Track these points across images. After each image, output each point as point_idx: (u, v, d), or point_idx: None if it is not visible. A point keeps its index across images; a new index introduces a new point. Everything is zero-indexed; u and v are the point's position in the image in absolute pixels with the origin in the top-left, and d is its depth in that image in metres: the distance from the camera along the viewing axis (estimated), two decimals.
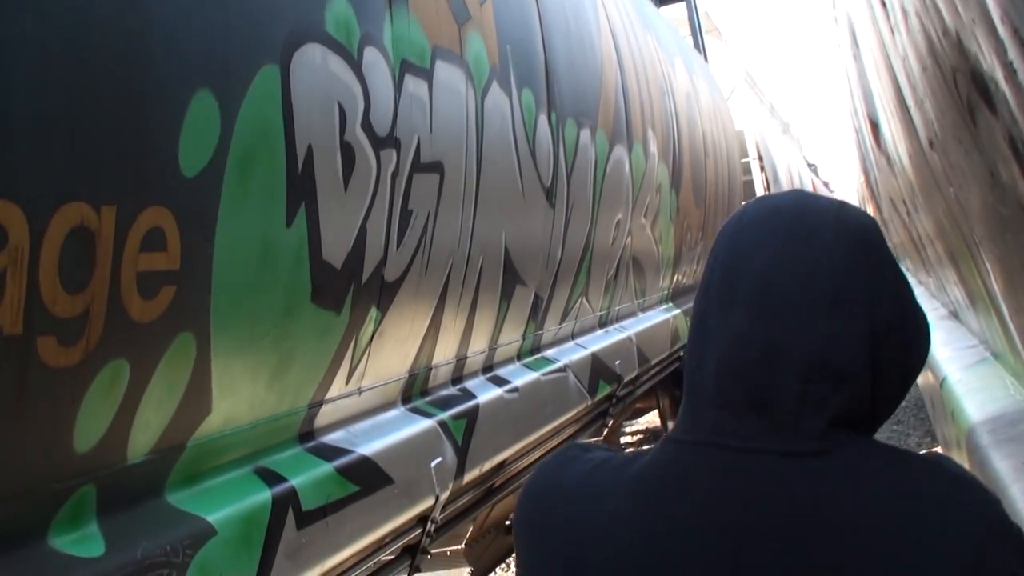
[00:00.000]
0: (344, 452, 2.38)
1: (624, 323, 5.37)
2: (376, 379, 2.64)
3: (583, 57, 4.30)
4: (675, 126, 6.37)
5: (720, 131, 8.71)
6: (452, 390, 3.13)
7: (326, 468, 2.26)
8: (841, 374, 0.94)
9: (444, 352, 3.05)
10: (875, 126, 5.50)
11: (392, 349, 2.68)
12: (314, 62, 2.12)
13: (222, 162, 1.82)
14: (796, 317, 0.95)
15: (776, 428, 0.94)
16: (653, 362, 5.64)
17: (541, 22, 3.72)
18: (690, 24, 11.57)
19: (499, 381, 3.45)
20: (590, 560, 0.97)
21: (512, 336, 3.66)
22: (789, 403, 0.94)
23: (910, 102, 3.44)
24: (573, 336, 4.52)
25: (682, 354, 6.78)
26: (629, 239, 5.18)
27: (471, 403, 3.11)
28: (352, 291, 2.35)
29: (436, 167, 2.74)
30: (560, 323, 4.26)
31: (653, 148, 5.60)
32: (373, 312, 2.50)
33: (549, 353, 4.10)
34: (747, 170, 12.19)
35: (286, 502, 2.07)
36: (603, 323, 5.01)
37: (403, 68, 2.54)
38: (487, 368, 3.47)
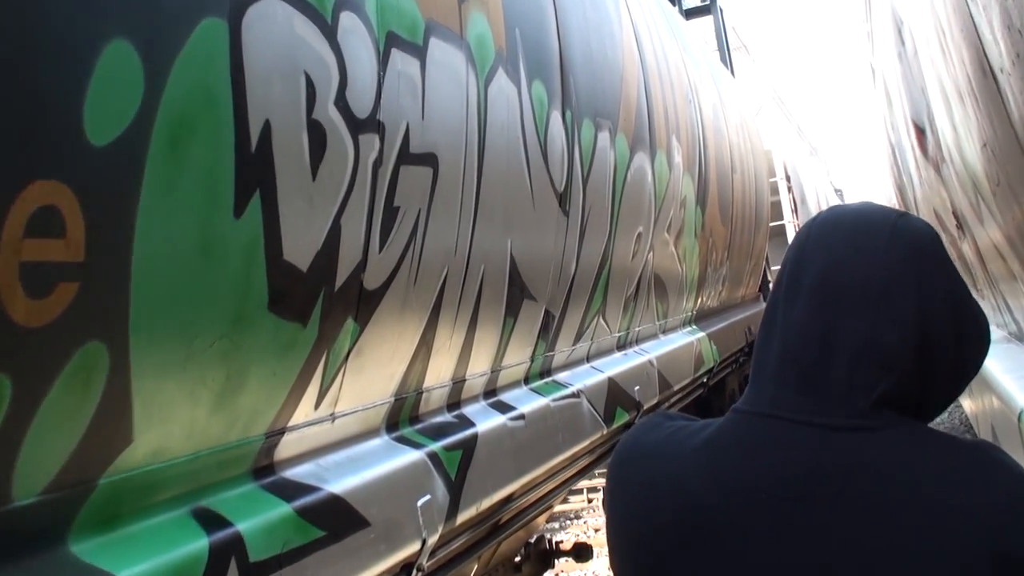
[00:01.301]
0: (309, 489, 2.01)
1: (644, 346, 4.99)
2: (354, 403, 2.27)
3: (602, 51, 3.94)
4: (702, 137, 6.01)
5: (748, 147, 8.33)
6: (447, 417, 2.76)
7: (284, 509, 1.89)
8: (888, 361, 1.06)
9: (438, 373, 2.68)
10: (921, 132, 5.11)
11: (374, 369, 2.31)
12: (274, 22, 1.77)
13: (146, 131, 1.46)
14: (848, 308, 1.08)
15: (824, 404, 1.06)
16: (676, 388, 5.24)
17: (556, 8, 3.36)
18: (717, 39, 11.22)
19: (502, 407, 3.08)
20: (662, 514, 1.11)
21: (519, 357, 3.29)
22: (838, 383, 1.06)
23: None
24: (588, 358, 4.14)
25: (705, 379, 6.38)
26: (651, 255, 4.81)
27: (468, 432, 2.73)
28: (322, 299, 1.99)
29: (429, 159, 2.38)
30: (574, 344, 3.88)
31: (678, 158, 5.23)
32: (349, 325, 2.13)
33: (561, 377, 3.72)
34: (775, 190, 11.79)
35: (227, 551, 1.70)
36: (621, 345, 4.63)
37: (389, 41, 2.19)
38: (489, 392, 3.10)
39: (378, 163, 2.14)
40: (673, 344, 5.46)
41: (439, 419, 2.71)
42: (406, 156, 2.26)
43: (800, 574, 1.01)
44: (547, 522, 8.22)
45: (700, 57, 6.93)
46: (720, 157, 6.73)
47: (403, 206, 2.28)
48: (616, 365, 4.32)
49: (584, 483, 7.78)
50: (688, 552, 1.08)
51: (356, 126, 2.04)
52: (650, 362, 4.80)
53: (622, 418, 4.17)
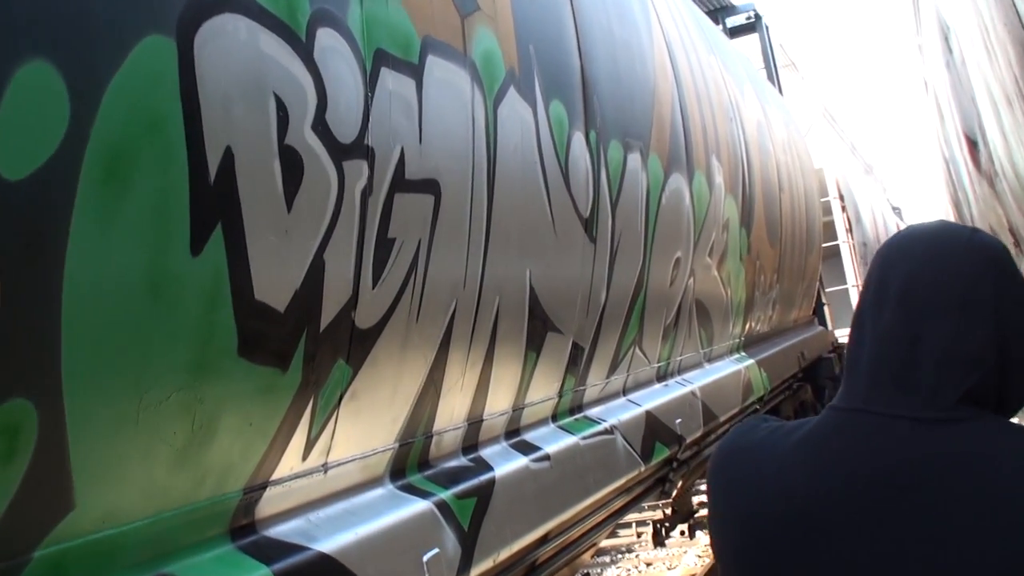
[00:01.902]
0: (295, 549, 1.83)
1: (687, 376, 4.75)
2: (351, 451, 2.09)
3: (631, 69, 3.75)
4: (744, 156, 5.78)
5: (797, 166, 8.07)
6: (462, 460, 2.57)
7: (263, 572, 1.71)
8: (970, 360, 1.17)
9: (450, 414, 2.50)
10: (973, 145, 4.84)
11: (373, 413, 2.14)
12: (235, 39, 1.61)
13: (74, 161, 1.30)
14: (932, 313, 1.18)
15: (914, 400, 1.16)
16: (722, 419, 5.00)
17: (576, 22, 3.18)
18: (763, 57, 10.97)
19: (525, 447, 2.88)
20: (764, 507, 1.20)
21: (544, 393, 3.09)
22: (926, 381, 1.17)
23: None
24: (624, 391, 3.92)
25: (757, 408, 6.12)
26: (691, 281, 4.59)
27: (485, 476, 2.54)
28: (304, 341, 1.82)
29: (429, 186, 2.21)
30: (607, 377, 3.68)
31: (719, 179, 5.01)
32: (340, 367, 1.96)
33: (593, 412, 3.51)
34: (827, 210, 11.46)
35: None
36: (662, 376, 4.41)
37: (378, 60, 2.02)
38: (511, 432, 2.90)
39: (367, 191, 1.97)
40: (719, 373, 5.22)
41: (452, 464, 2.52)
42: (401, 183, 2.09)
43: (897, 557, 1.09)
44: (595, 556, 7.97)
45: (742, 73, 6.70)
46: (766, 176, 6.49)
47: (400, 237, 2.10)
48: (655, 398, 4.09)
49: (633, 516, 7.52)
50: (792, 542, 1.17)
51: (339, 151, 1.87)
52: (693, 393, 4.56)
53: (662, 454, 3.94)
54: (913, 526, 1.10)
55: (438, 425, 2.44)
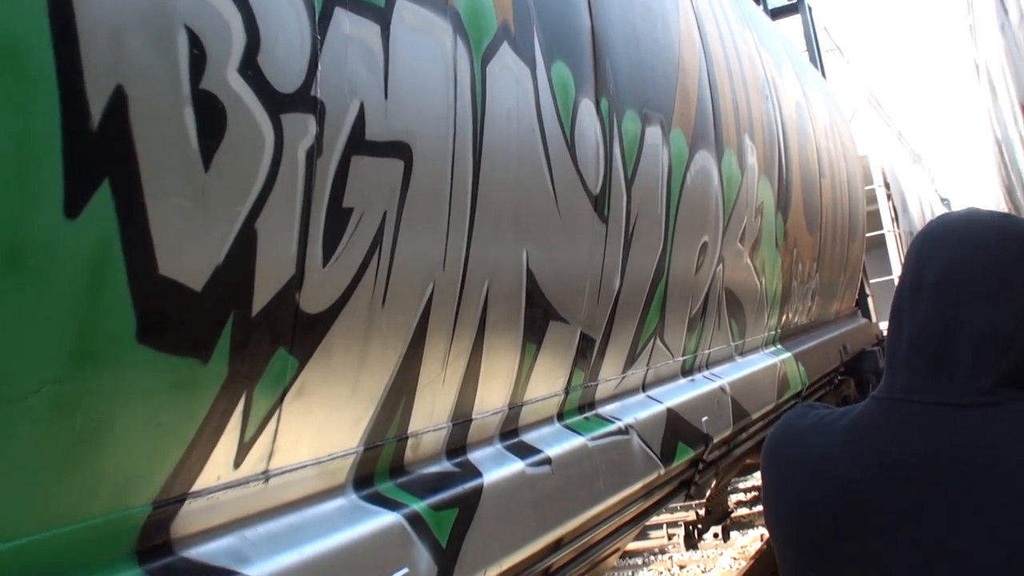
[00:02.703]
0: (220, 574, 1.54)
1: (716, 370, 4.42)
2: (301, 456, 1.80)
3: (651, 34, 3.43)
4: (781, 137, 5.42)
5: (839, 151, 7.68)
6: (445, 465, 2.27)
7: None
8: (1005, 345, 1.19)
9: (429, 413, 2.20)
10: None
11: (328, 412, 1.84)
12: None
13: None
14: (967, 301, 1.21)
15: (952, 386, 1.19)
16: (754, 416, 4.66)
17: None
18: (806, 39, 10.54)
19: (523, 450, 2.57)
20: (810, 494, 1.25)
21: (547, 389, 2.78)
22: (963, 367, 1.19)
23: None
24: (644, 387, 3.60)
25: (794, 401, 5.77)
26: (720, 268, 4.25)
27: (471, 483, 2.24)
28: (231, 326, 1.53)
29: (397, 150, 1.91)
30: (624, 371, 3.36)
31: (751, 159, 4.67)
32: (282, 358, 1.67)
33: (607, 410, 3.20)
34: (872, 198, 11.01)
35: None
36: (687, 370, 4.08)
37: None
38: (508, 433, 2.60)
39: (315, 152, 1.67)
40: (752, 367, 4.88)
41: (433, 469, 2.22)
42: (361, 145, 1.80)
43: (939, 537, 1.12)
44: (624, 558, 7.64)
45: (780, 51, 6.33)
46: (805, 160, 6.12)
47: (359, 207, 1.80)
48: (679, 394, 3.77)
49: (664, 517, 7.19)
50: (840, 525, 1.20)
51: (276, 102, 1.58)
52: (722, 388, 4.23)
53: (685, 455, 3.62)
54: (954, 508, 1.13)
55: (415, 425, 2.15)
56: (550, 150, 2.56)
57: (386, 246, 1.90)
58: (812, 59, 10.24)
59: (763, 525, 8.36)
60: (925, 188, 18.32)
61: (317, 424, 1.82)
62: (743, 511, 9.21)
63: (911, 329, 1.25)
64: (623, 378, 3.36)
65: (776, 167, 5.28)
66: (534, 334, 2.60)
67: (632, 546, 7.50)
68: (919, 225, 14.15)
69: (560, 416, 2.92)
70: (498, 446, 2.52)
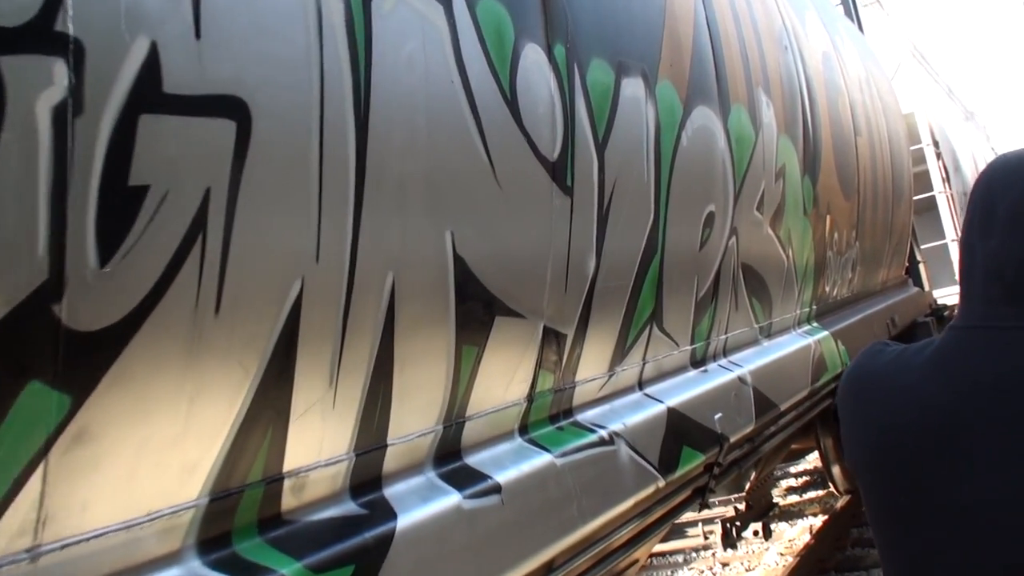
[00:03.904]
0: None
1: (736, 357, 3.89)
2: (95, 521, 1.33)
3: None
4: (804, 91, 4.85)
5: (878, 107, 7.06)
6: (347, 508, 1.80)
7: None
8: None
9: (316, 445, 1.72)
10: None
11: (135, 460, 1.38)
12: None
13: None
14: None
15: None
16: (784, 406, 4.12)
17: None
18: None
19: (464, 478, 2.09)
20: (898, 420, 1.28)
21: (501, 398, 2.30)
22: None
23: None
24: (642, 385, 3.10)
25: (834, 385, 5.21)
26: (733, 241, 3.72)
27: (377, 530, 1.76)
28: None
29: (222, 107, 1.43)
30: (612, 368, 2.86)
31: (767, 116, 4.12)
32: (37, 395, 1.20)
33: (588, 416, 2.70)
34: (920, 158, 10.32)
35: None
36: (698, 360, 3.56)
37: None
38: (446, 457, 2.12)
39: (70, 109, 1.20)
40: (780, 351, 4.34)
41: (327, 515, 1.75)
42: (157, 100, 1.32)
43: (1021, 451, 1.16)
44: (663, 556, 7.13)
45: None
46: (836, 117, 5.54)
47: (160, 184, 1.33)
48: (685, 390, 3.26)
49: (702, 514, 6.65)
50: (929, 449, 1.24)
51: None
52: (741, 379, 3.71)
53: (692, 461, 3.11)
54: None
55: (294, 462, 1.67)
56: (479, 106, 2.07)
57: (214, 235, 1.42)
58: (847, 12, 9.57)
59: (813, 515, 7.80)
60: (980, 146, 17.44)
61: (120, 476, 1.35)
62: (793, 498, 8.64)
63: (984, 261, 1.28)
64: (611, 376, 2.86)
65: (800, 125, 4.72)
66: (473, 334, 2.12)
67: (668, 546, 6.99)
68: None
69: (523, 429, 2.43)
70: (429, 475, 2.04)
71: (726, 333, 3.83)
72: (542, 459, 2.33)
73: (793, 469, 9.65)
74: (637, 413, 2.89)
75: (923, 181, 10.22)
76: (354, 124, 1.70)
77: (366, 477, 1.87)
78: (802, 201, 4.72)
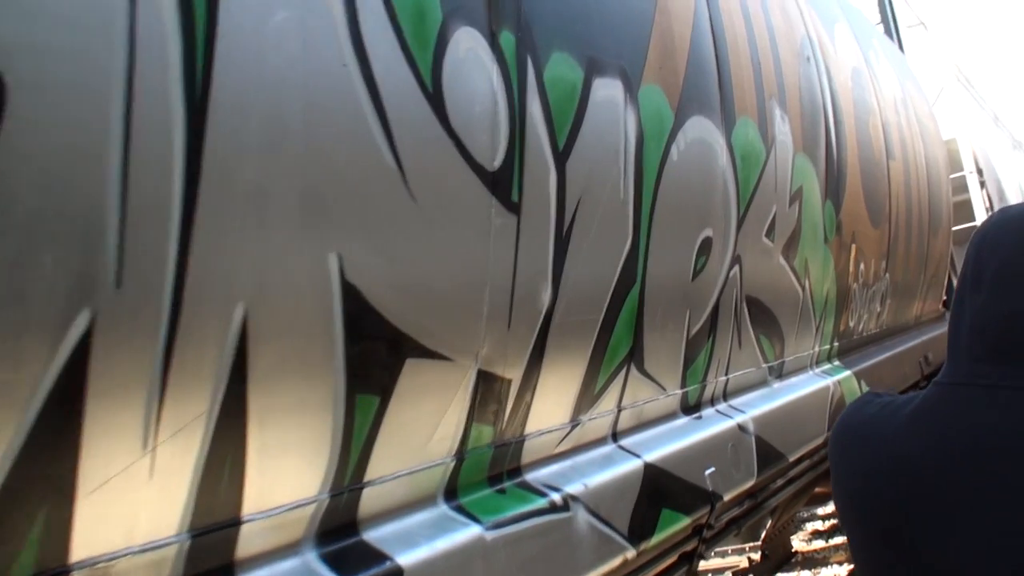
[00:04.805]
0: None
1: (738, 401, 3.45)
2: None
3: None
4: (829, 107, 4.41)
5: (915, 130, 6.58)
6: None
7: None
8: None
9: (125, 527, 1.32)
10: None
11: None
12: None
13: None
14: None
15: (1012, 371, 1.23)
16: (793, 457, 3.66)
17: None
18: (880, 10, 9.38)
19: (356, 560, 1.68)
20: (877, 471, 1.29)
21: (417, 457, 1.89)
22: (1021, 353, 1.23)
23: None
24: (615, 436, 2.67)
25: None
26: (735, 270, 3.28)
27: None
28: None
29: None
30: (573, 419, 2.43)
31: (782, 133, 3.69)
32: None
33: (542, 476, 2.28)
34: (962, 187, 9.78)
35: None
36: (691, 405, 3.13)
37: None
38: (335, 531, 1.70)
39: None
40: (792, 393, 3.88)
41: None
42: None
43: (1003, 521, 1.15)
44: None
45: (833, 9, 5.30)
46: (865, 138, 5.08)
47: None
48: (669, 441, 2.82)
49: (713, 563, 6.16)
50: (905, 509, 1.23)
51: None
52: (741, 426, 3.26)
53: (673, 524, 2.67)
54: (1017, 487, 1.16)
55: (85, 551, 1.27)
56: (386, 98, 1.67)
57: None
58: (888, 31, 9.09)
59: (838, 563, 7.29)
60: None
61: None
62: (818, 543, 8.12)
63: (972, 318, 1.29)
64: (574, 427, 2.43)
65: (822, 145, 4.27)
66: (372, 380, 1.71)
67: None
68: None
69: (451, 494, 2.01)
70: (307, 557, 1.63)
71: (727, 374, 3.39)
72: (467, 532, 1.91)
73: (820, 511, 9.12)
74: (605, 471, 2.46)
75: (965, 210, 9.69)
76: (184, 111, 1.30)
77: (211, 564, 1.46)
78: (822, 228, 4.27)
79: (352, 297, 1.62)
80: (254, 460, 1.49)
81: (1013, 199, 12.78)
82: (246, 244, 1.41)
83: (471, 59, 1.90)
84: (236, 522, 1.49)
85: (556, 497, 2.21)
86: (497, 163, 1.97)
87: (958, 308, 1.34)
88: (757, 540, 5.80)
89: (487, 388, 2.04)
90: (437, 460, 1.94)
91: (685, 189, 2.84)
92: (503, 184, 2.00)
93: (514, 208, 2.04)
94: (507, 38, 2.02)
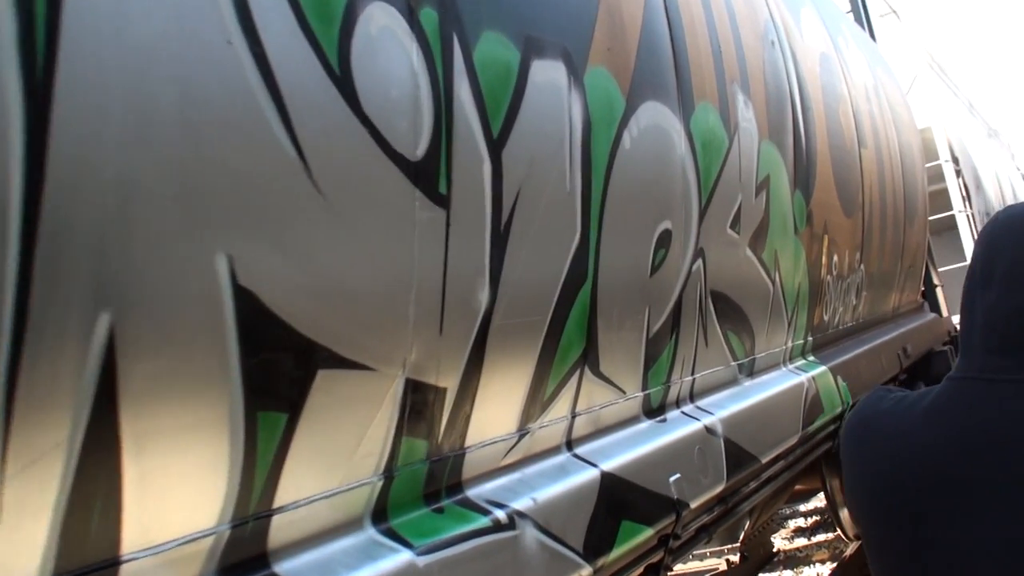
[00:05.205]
0: None
1: (706, 402, 3.29)
2: None
3: None
4: (796, 93, 4.25)
5: (887, 118, 6.44)
6: None
7: None
8: None
9: None
10: None
11: None
12: None
13: None
14: None
15: (1018, 362, 1.26)
16: (766, 458, 3.50)
17: None
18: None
19: None
20: (897, 468, 1.32)
21: (337, 477, 1.71)
22: None
23: None
24: (570, 445, 2.50)
25: (833, 428, 4.60)
26: (698, 264, 3.12)
27: None
28: None
29: None
30: (522, 427, 2.26)
31: (746, 120, 3.53)
32: None
33: (483, 491, 2.11)
34: (938, 176, 9.66)
35: None
36: (655, 408, 2.96)
37: None
38: (239, 564, 1.52)
39: None
40: (763, 392, 3.72)
41: None
42: None
43: (1013, 503, 1.18)
44: None
45: None
46: (836, 126, 4.93)
47: None
48: (629, 448, 2.65)
49: (689, 566, 6.00)
50: (924, 504, 1.26)
51: None
52: (709, 428, 3.09)
53: (634, 536, 2.50)
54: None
55: None
56: (282, 80, 1.49)
57: None
58: (859, 20, 8.96)
59: (820, 561, 7.14)
60: (1004, 164, 16.74)
61: None
62: (801, 541, 7.98)
63: (983, 314, 1.32)
64: (523, 436, 2.26)
65: (790, 132, 4.12)
66: (277, 395, 1.53)
67: None
68: (996, 205, 12.70)
69: (380, 515, 1.83)
70: None
71: (693, 374, 3.22)
72: (397, 558, 1.74)
73: (803, 507, 8.98)
74: (558, 482, 2.29)
75: (941, 200, 9.57)
76: (21, 95, 1.12)
77: None
78: (792, 218, 4.11)
79: (247, 303, 1.44)
80: (132, 491, 1.31)
81: (989, 187, 12.69)
82: (107, 246, 1.23)
83: (386, 37, 1.73)
84: (114, 562, 1.31)
85: (501, 514, 2.03)
86: (420, 152, 1.80)
87: (969, 305, 1.37)
88: (736, 542, 5.64)
89: (418, 399, 1.87)
90: (362, 480, 1.76)
91: (640, 179, 2.67)
92: (428, 175, 1.82)
93: (442, 201, 1.86)
94: (429, 15, 1.84)
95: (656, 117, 2.77)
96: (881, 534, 1.35)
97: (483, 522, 1.98)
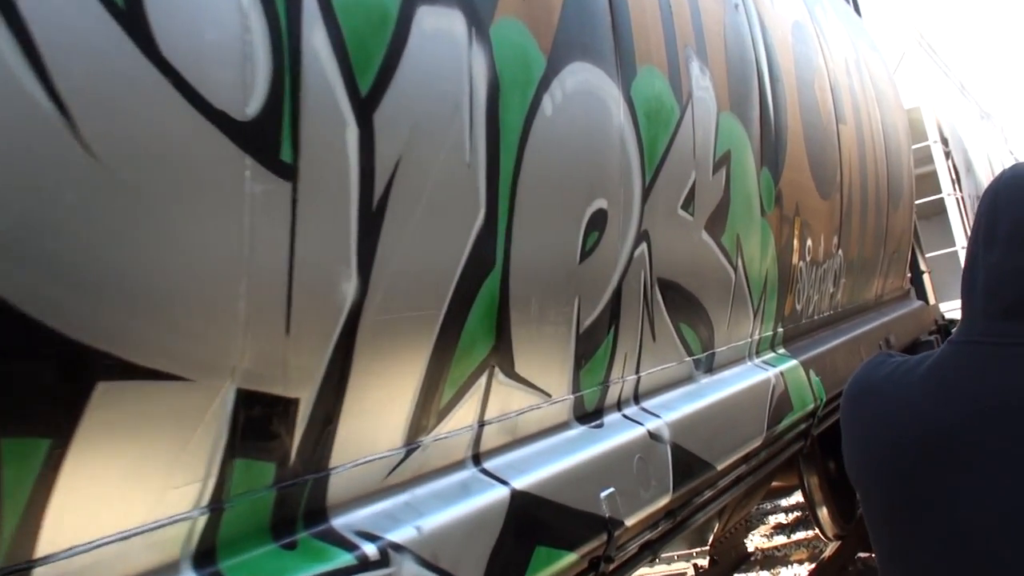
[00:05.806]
0: None
1: (653, 403, 2.95)
2: None
3: None
4: (764, 63, 3.90)
5: (870, 94, 6.09)
6: None
7: None
8: None
9: None
10: None
11: None
12: None
13: None
14: None
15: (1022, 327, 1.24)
16: (722, 465, 3.17)
17: None
18: None
19: None
20: (897, 433, 1.30)
21: (158, 510, 1.37)
22: None
23: None
24: (477, 459, 2.16)
25: (804, 427, 4.28)
26: (642, 249, 2.78)
27: None
28: None
29: None
30: (411, 441, 1.92)
31: (701, 89, 3.18)
32: None
33: (354, 520, 1.77)
34: (926, 158, 9.31)
35: None
36: (588, 413, 2.62)
37: None
38: None
39: None
40: (721, 391, 3.38)
41: None
42: None
43: (1017, 469, 1.17)
44: None
45: None
46: (809, 100, 4.59)
47: None
48: (549, 461, 2.32)
49: (657, 570, 5.68)
50: (926, 470, 1.25)
51: None
52: (652, 433, 2.76)
53: (552, 563, 2.17)
54: None
55: None
56: (28, 14, 1.14)
57: None
58: None
59: (799, 561, 6.83)
60: (996, 147, 16.39)
61: None
62: (780, 539, 7.66)
63: (986, 276, 1.29)
64: (411, 451, 1.92)
65: (756, 104, 3.77)
66: (32, 418, 1.19)
67: None
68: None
69: (206, 557, 1.49)
70: None
71: (637, 372, 2.88)
72: None
73: (784, 503, 8.66)
74: (453, 506, 1.95)
75: (930, 182, 9.23)
76: None
77: None
78: (758, 199, 3.77)
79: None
80: None
81: (981, 171, 12.35)
82: None
83: None
84: None
85: (370, 549, 1.69)
86: (252, 110, 1.45)
87: (971, 267, 1.35)
88: (705, 544, 5.32)
89: (256, 413, 1.53)
90: (176, 515, 1.42)
91: (565, 150, 2.33)
92: (264, 138, 1.47)
93: (285, 171, 1.52)
94: None
95: (586, 80, 2.43)
96: (882, 502, 1.33)
97: (345, 560, 1.65)
